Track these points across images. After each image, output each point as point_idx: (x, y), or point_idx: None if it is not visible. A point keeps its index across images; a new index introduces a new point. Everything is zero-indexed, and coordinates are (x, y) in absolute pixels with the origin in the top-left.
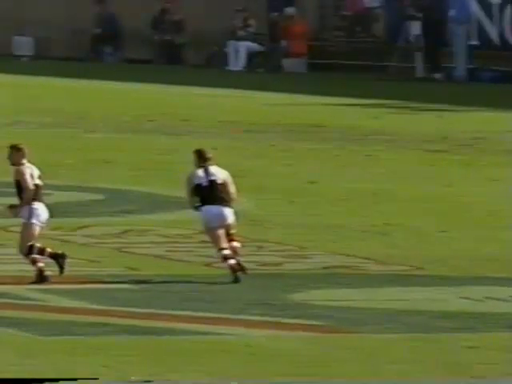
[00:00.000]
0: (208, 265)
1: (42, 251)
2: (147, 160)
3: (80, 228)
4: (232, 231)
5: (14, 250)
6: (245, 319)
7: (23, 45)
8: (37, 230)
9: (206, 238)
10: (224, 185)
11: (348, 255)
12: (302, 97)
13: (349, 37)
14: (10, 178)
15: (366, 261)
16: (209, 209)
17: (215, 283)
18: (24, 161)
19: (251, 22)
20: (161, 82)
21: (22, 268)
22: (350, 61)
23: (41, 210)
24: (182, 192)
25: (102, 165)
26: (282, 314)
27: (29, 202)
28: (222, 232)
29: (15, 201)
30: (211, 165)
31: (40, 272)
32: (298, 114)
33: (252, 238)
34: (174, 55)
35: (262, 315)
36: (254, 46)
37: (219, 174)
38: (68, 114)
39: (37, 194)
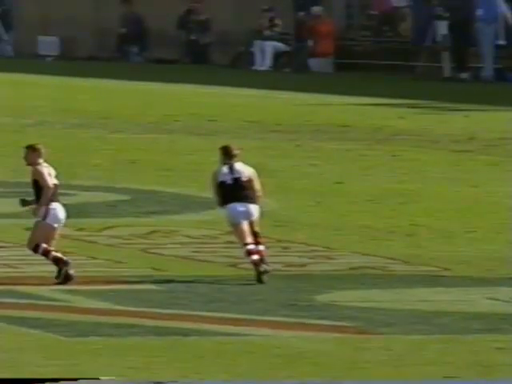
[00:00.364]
0: (234, 266)
1: (47, 253)
2: (173, 160)
3: (106, 228)
4: (256, 228)
5: None
6: (270, 320)
7: (48, 45)
8: (48, 231)
9: (233, 236)
10: (249, 181)
11: (374, 256)
12: (328, 97)
13: (376, 36)
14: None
15: (393, 261)
16: (233, 206)
17: (241, 284)
18: (40, 160)
19: (277, 21)
20: (187, 82)
21: (45, 269)
22: (376, 60)
23: (58, 210)
24: (209, 192)
25: (128, 165)
26: (308, 315)
27: (47, 202)
28: (246, 227)
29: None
30: (236, 161)
31: (64, 272)
32: (325, 113)
33: (278, 238)
34: (199, 55)
35: (287, 316)
36: (280, 45)
37: (244, 171)
38: (94, 114)
39: (54, 194)
